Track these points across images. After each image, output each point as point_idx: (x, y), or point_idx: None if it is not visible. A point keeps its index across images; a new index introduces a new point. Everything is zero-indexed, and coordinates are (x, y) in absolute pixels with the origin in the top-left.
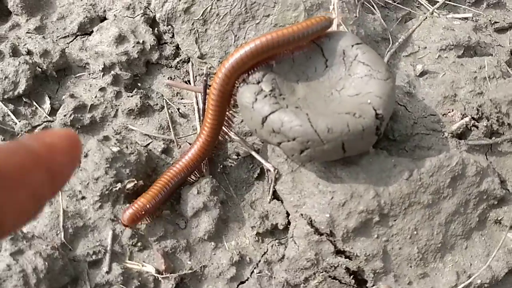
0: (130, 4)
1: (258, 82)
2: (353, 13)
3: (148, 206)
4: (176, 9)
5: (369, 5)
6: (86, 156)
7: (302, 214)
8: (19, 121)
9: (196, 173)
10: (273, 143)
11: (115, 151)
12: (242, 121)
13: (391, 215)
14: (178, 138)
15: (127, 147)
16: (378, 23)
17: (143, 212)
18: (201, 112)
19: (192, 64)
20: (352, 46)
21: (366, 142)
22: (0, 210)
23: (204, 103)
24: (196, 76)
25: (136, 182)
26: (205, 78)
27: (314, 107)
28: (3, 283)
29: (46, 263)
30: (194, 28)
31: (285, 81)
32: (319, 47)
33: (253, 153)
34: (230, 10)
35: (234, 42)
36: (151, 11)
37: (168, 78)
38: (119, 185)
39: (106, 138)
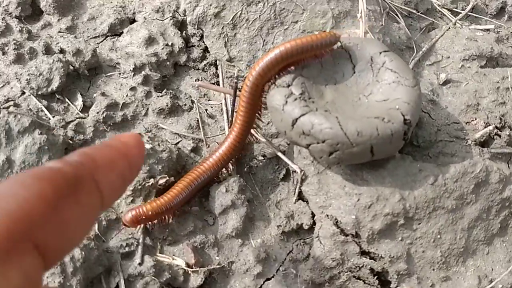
0: (160, 7)
1: (288, 85)
2: (379, 22)
3: (150, 213)
4: (206, 14)
5: (393, 14)
6: None
7: (328, 215)
8: (53, 117)
9: (223, 172)
10: (302, 145)
11: (148, 148)
12: (268, 123)
13: (415, 219)
14: (206, 137)
15: (158, 145)
16: (403, 32)
17: (143, 217)
18: (229, 113)
19: (222, 67)
20: (380, 53)
21: (393, 146)
22: (100, 186)
23: (233, 105)
24: (224, 79)
25: (167, 178)
26: (235, 80)
27: (342, 111)
28: None
29: (83, 253)
30: (223, 32)
31: (314, 85)
32: (347, 53)
33: (280, 155)
34: (259, 16)
35: (262, 46)
36: (179, 15)
37: (195, 80)
38: (151, 180)
39: (139, 135)
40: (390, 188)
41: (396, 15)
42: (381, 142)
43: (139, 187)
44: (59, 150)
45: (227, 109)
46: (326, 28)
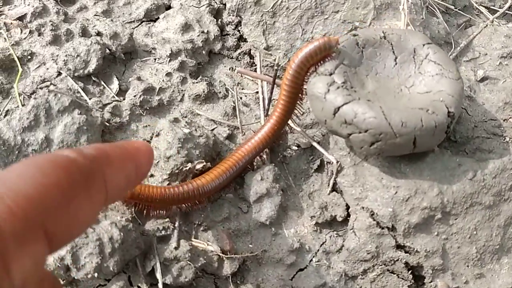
0: None
1: (331, 74)
2: (420, 15)
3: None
4: (247, 1)
5: (432, 9)
6: (158, 135)
7: (363, 207)
8: (89, 99)
9: (257, 160)
10: (342, 134)
11: (186, 132)
12: (303, 113)
13: (452, 214)
14: (242, 125)
15: (196, 130)
16: (442, 26)
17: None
18: (265, 101)
19: (259, 55)
20: (423, 45)
21: (435, 139)
22: (107, 184)
23: (271, 93)
24: (261, 67)
25: (205, 163)
26: (276, 68)
27: (384, 102)
28: (79, 250)
29: (122, 234)
30: (262, 20)
31: (356, 75)
32: (390, 44)
33: (316, 145)
34: (300, 4)
35: (301, 35)
36: (215, 2)
37: (229, 69)
38: (189, 165)
39: (176, 120)
40: (429, 181)
41: (434, 10)
42: (424, 134)
43: (176, 171)
44: (97, 131)
45: (263, 97)
46: (367, 19)
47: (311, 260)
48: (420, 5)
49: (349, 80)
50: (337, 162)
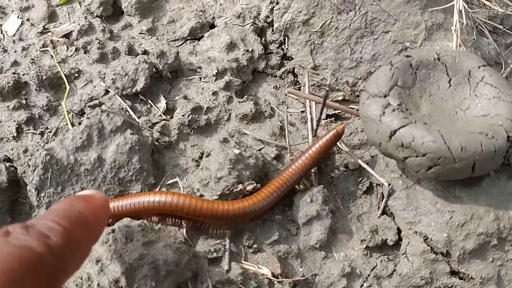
0: (241, 13)
1: (385, 96)
2: (471, 36)
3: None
4: (295, 20)
5: (481, 29)
6: (208, 155)
7: (417, 232)
8: (138, 117)
9: (304, 181)
10: (398, 157)
11: (237, 153)
12: (351, 133)
13: (508, 240)
14: (290, 145)
15: (245, 150)
16: (492, 47)
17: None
18: (313, 121)
19: (308, 75)
20: (479, 67)
21: (494, 163)
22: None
23: (321, 113)
24: (309, 87)
25: (255, 184)
26: (327, 89)
27: (440, 125)
28: (134, 272)
29: (176, 256)
30: (310, 40)
31: (410, 97)
32: (444, 65)
33: (367, 167)
34: (349, 24)
35: (350, 55)
36: (259, 21)
37: (273, 87)
38: (240, 186)
39: (226, 140)
40: (485, 207)
41: (483, 29)
42: (484, 159)
43: (227, 192)
44: (148, 151)
45: (311, 118)
46: (418, 39)
47: (362, 285)
48: (470, 25)
49: (404, 102)
50: (389, 184)
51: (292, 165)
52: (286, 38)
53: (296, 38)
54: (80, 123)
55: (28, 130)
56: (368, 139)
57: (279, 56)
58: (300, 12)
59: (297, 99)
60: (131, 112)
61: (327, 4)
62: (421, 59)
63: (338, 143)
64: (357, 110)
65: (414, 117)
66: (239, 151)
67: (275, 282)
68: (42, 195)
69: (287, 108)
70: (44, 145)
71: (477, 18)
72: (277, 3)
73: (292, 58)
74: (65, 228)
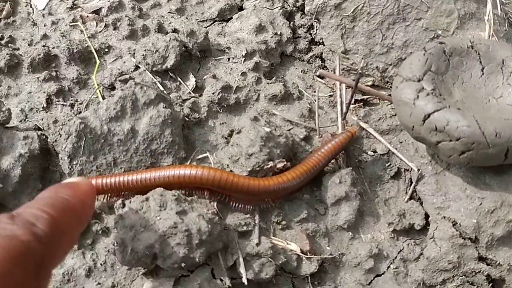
0: None
1: (419, 80)
2: (503, 27)
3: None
4: (327, 4)
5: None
6: (239, 132)
7: (445, 217)
8: (168, 94)
9: (332, 163)
10: (431, 141)
11: (268, 131)
12: (380, 119)
13: None
14: (320, 127)
15: (275, 129)
16: None
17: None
18: (343, 104)
19: (339, 58)
20: None
21: None
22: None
23: (352, 97)
24: (340, 70)
25: (285, 163)
26: (360, 71)
27: (473, 111)
28: (167, 239)
29: (209, 226)
30: (341, 24)
31: (443, 83)
32: (477, 54)
33: (396, 152)
34: (381, 10)
35: (381, 41)
36: (288, 5)
37: (301, 71)
38: (270, 163)
39: (256, 119)
40: None
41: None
42: None
43: (257, 168)
44: (179, 125)
45: (341, 101)
46: (450, 28)
47: (389, 266)
48: (503, 16)
49: (437, 87)
50: (418, 170)
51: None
52: (316, 22)
53: (327, 22)
54: (110, 96)
55: (58, 101)
56: (400, 123)
57: (307, 41)
58: None
59: (324, 83)
60: (161, 88)
61: None
62: (455, 46)
63: (365, 127)
64: (388, 95)
65: (447, 102)
66: (270, 130)
67: (304, 258)
68: (74, 163)
69: (315, 92)
70: (77, 114)
71: (508, 10)
72: None
73: (320, 43)
74: (51, 216)
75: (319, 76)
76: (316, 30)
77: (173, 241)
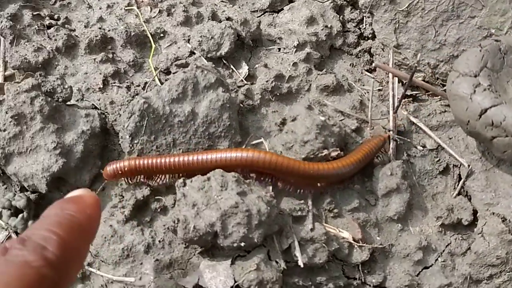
0: None
1: (475, 75)
2: None
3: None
4: None
5: None
6: (294, 120)
7: (494, 213)
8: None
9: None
10: (485, 136)
11: (323, 119)
12: (429, 114)
13: None
14: (372, 120)
15: (329, 119)
16: None
17: (120, 172)
18: (395, 98)
19: (392, 52)
20: None
21: None
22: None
23: (405, 91)
24: (393, 64)
25: (339, 151)
26: (416, 65)
27: None
28: (228, 218)
29: (268, 208)
30: (395, 19)
31: (498, 80)
32: None
33: (446, 147)
34: (436, 6)
35: (434, 37)
36: None
37: (349, 65)
38: (325, 151)
39: (310, 107)
40: None
41: None
42: None
43: (312, 155)
44: (235, 110)
45: (393, 94)
46: (504, 27)
47: (437, 259)
48: None
49: (493, 83)
50: (468, 166)
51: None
52: (369, 15)
53: (381, 16)
54: (166, 80)
55: (114, 83)
56: (455, 117)
57: (356, 35)
58: None
59: (373, 77)
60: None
61: None
62: (510, 44)
63: (416, 121)
64: (442, 90)
65: (503, 99)
66: (324, 119)
67: (356, 246)
68: (135, 141)
69: (363, 85)
70: (134, 96)
71: None
72: None
73: (369, 38)
74: (60, 237)
75: (367, 70)
76: (366, 24)
77: (234, 220)
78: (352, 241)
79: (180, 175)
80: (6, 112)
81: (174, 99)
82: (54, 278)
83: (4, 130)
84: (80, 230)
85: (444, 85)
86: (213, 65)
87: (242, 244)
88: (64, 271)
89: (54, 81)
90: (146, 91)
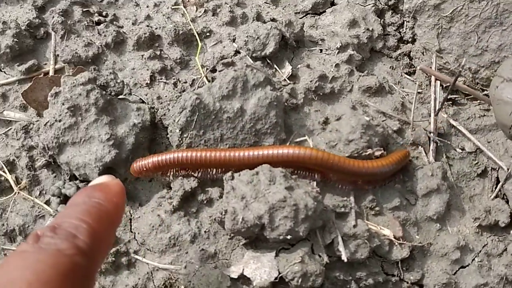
0: None
1: None
2: None
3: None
4: (426, 4)
5: None
6: (339, 119)
7: None
8: None
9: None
10: None
11: (368, 119)
12: (468, 118)
13: None
14: (414, 122)
15: (372, 119)
16: None
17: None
18: (437, 101)
19: (435, 57)
20: None
21: None
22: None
23: (449, 93)
24: (436, 68)
25: (383, 151)
26: (460, 69)
27: None
28: (276, 211)
29: (315, 203)
30: (438, 24)
31: None
32: None
33: (486, 151)
34: (480, 13)
35: (476, 43)
36: (380, 3)
37: (389, 67)
38: (369, 150)
39: (354, 108)
40: None
41: None
42: None
43: (355, 154)
44: (282, 109)
45: (435, 97)
46: None
47: (473, 259)
48: None
49: None
50: (508, 169)
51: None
52: (411, 20)
53: (424, 21)
54: (213, 78)
55: (161, 79)
56: (498, 121)
57: (396, 39)
58: None
59: (412, 81)
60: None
61: None
62: None
63: (455, 124)
64: (484, 95)
65: None
66: (369, 119)
67: (396, 243)
68: (185, 135)
69: (403, 88)
70: (182, 92)
71: None
72: None
73: (409, 42)
74: (90, 225)
75: (406, 73)
76: (406, 29)
77: (281, 214)
78: (393, 239)
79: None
80: (63, 104)
81: (224, 95)
82: (86, 266)
83: (60, 121)
84: (108, 218)
85: (484, 90)
86: (262, 64)
87: (288, 237)
88: (94, 259)
89: (107, 75)
90: (196, 88)
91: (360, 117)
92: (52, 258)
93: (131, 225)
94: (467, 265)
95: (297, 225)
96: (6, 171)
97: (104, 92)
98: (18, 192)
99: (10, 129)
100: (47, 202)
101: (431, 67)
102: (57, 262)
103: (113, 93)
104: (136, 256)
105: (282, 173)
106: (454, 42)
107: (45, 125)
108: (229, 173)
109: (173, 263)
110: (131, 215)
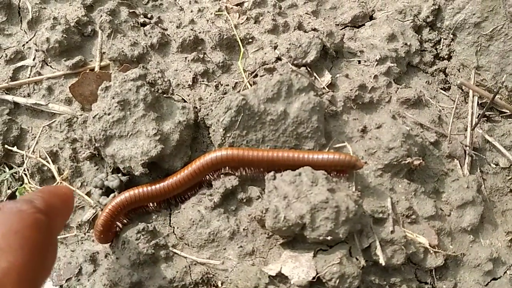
0: (402, 10)
1: None
2: None
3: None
4: (467, 21)
5: None
6: (379, 127)
7: None
8: None
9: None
10: None
11: (408, 129)
12: (503, 134)
13: None
14: (451, 134)
15: (411, 129)
16: None
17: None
18: (473, 116)
19: (473, 74)
20: None
21: None
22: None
23: (486, 107)
24: (474, 83)
25: (421, 161)
26: (500, 85)
27: None
28: (317, 212)
29: (356, 207)
30: (478, 42)
31: None
32: None
33: None
34: None
35: None
36: (418, 20)
37: (425, 82)
38: (408, 159)
39: (394, 117)
40: None
41: None
42: None
43: (395, 162)
44: (323, 114)
45: (472, 112)
46: None
47: (505, 272)
48: None
49: None
50: None
51: None
52: (448, 37)
53: (463, 38)
54: (254, 83)
55: (203, 81)
56: None
57: (432, 55)
58: (474, 14)
59: (448, 96)
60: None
61: (502, 11)
62: None
63: (491, 140)
64: None
65: None
66: (409, 128)
67: (431, 251)
68: (228, 135)
69: (438, 102)
70: (224, 94)
71: None
72: (452, 2)
73: (445, 59)
74: (43, 197)
75: (442, 89)
76: (443, 46)
77: (323, 215)
78: (428, 246)
79: None
80: (113, 98)
81: (269, 98)
82: (46, 222)
83: (109, 114)
84: (59, 198)
85: None
86: (306, 70)
87: (329, 237)
88: (52, 220)
89: (155, 73)
90: (240, 90)
91: (401, 126)
92: (17, 215)
93: (170, 220)
94: (499, 277)
95: (338, 226)
96: (50, 161)
97: (152, 89)
98: (60, 182)
99: (54, 121)
100: (88, 194)
101: (450, 87)
102: (22, 217)
103: (160, 91)
104: (175, 250)
105: (324, 176)
106: (493, 60)
107: (93, 117)
108: (271, 173)
109: (211, 258)
110: (170, 210)
